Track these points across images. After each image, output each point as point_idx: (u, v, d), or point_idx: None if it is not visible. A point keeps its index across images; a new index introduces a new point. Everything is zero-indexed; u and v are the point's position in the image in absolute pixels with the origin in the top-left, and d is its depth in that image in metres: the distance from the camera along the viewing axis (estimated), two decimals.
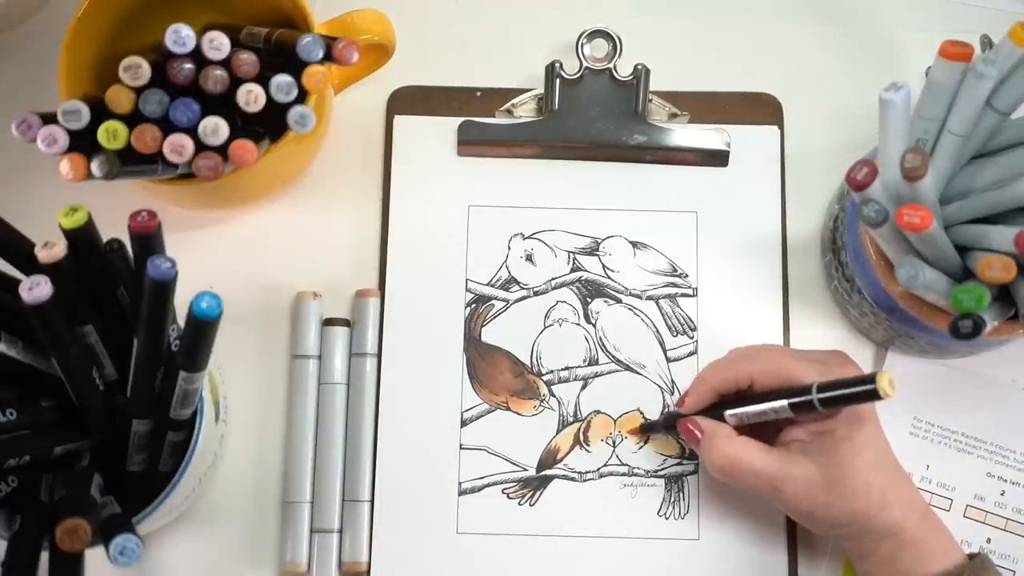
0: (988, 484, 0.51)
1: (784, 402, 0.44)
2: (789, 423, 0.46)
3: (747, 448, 0.45)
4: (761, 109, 0.56)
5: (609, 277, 0.54)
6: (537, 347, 0.53)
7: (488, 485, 0.52)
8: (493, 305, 0.54)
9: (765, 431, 0.47)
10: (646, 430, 0.52)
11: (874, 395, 0.41)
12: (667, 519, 0.51)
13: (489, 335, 0.53)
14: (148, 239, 0.40)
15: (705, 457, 0.47)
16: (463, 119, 0.55)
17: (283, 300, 0.54)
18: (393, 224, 0.55)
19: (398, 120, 0.56)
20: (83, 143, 0.43)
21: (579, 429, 0.53)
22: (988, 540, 0.51)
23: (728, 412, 0.46)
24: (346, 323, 0.53)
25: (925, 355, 0.52)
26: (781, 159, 0.56)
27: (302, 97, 0.46)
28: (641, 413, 0.53)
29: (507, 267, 0.54)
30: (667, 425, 0.51)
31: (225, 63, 0.45)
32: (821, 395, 0.42)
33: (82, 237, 0.40)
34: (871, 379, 0.41)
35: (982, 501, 0.51)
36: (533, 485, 0.52)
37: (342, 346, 0.53)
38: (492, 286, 0.54)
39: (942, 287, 0.42)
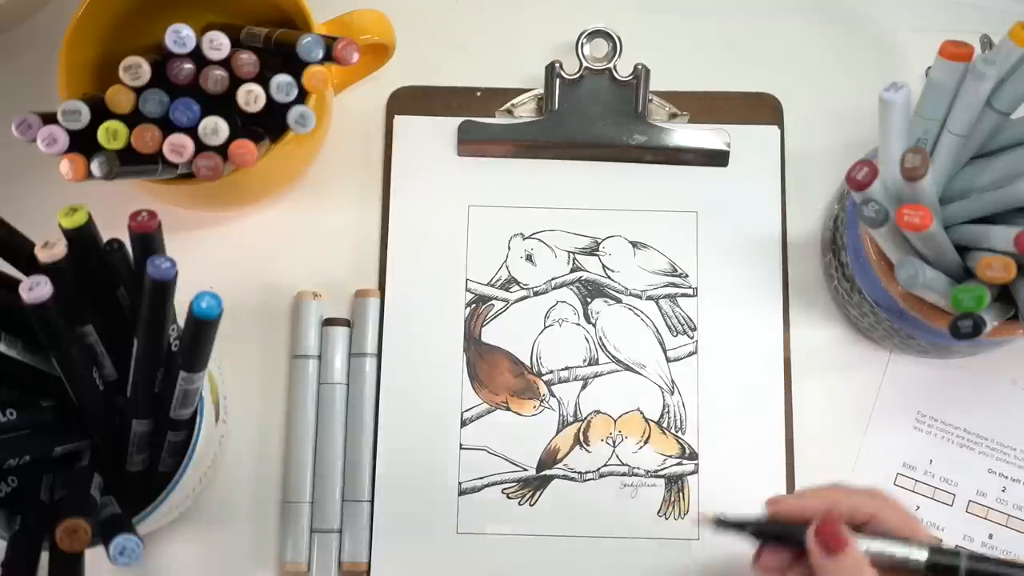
0: (990, 480, 0.52)
1: (924, 554, 0.39)
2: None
3: None
4: (761, 109, 0.56)
5: (609, 277, 0.54)
6: (537, 347, 0.53)
7: (488, 485, 0.52)
8: (493, 305, 0.54)
9: None
10: (722, 524, 0.43)
11: None
12: (667, 519, 0.51)
13: (489, 335, 0.53)
14: (148, 239, 0.40)
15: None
16: (463, 119, 0.55)
17: (283, 300, 0.54)
18: (393, 224, 0.55)
19: (398, 120, 0.56)
20: (83, 143, 0.43)
21: (579, 429, 0.53)
22: (990, 536, 0.51)
23: (862, 539, 0.40)
24: (346, 323, 0.53)
25: (925, 355, 0.52)
26: (781, 159, 0.56)
27: (302, 97, 0.46)
28: (641, 413, 0.53)
29: (507, 267, 0.54)
30: (761, 531, 0.42)
31: (225, 63, 0.45)
32: (971, 564, 0.39)
33: (82, 237, 0.40)
34: None
35: (984, 497, 0.51)
36: (533, 485, 0.52)
37: (342, 346, 0.53)
38: (492, 286, 0.54)
39: (942, 287, 0.42)
